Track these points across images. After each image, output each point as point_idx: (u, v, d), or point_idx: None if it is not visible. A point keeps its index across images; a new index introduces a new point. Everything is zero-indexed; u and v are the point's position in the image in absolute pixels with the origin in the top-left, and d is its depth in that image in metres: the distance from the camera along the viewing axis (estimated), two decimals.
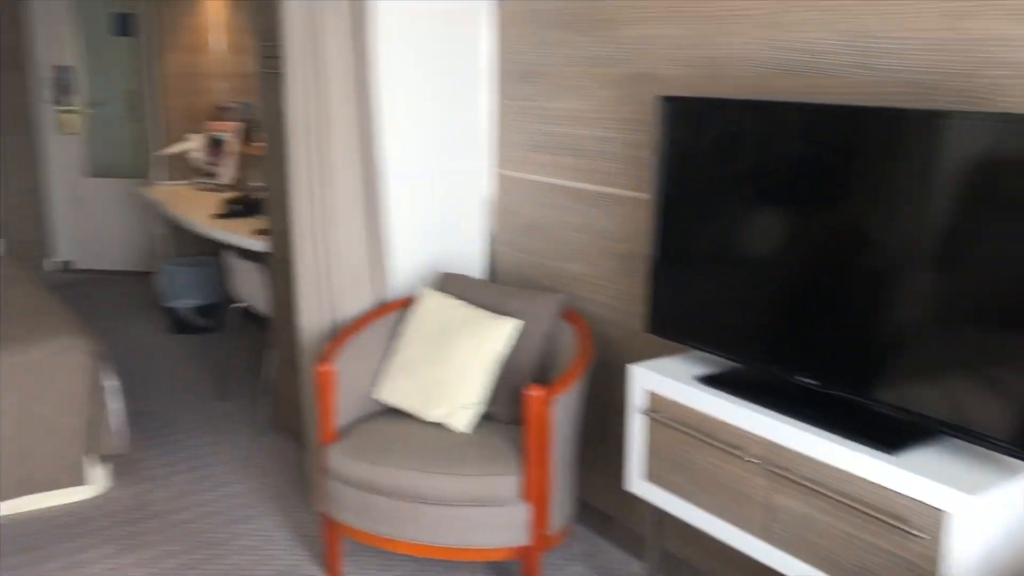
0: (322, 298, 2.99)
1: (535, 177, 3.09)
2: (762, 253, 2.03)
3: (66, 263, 6.38)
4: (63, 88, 6.04)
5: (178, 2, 5.23)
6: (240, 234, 3.76)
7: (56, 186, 6.28)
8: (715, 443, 2.06)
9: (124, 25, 5.79)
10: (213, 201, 4.52)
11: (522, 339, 2.75)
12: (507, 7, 3.11)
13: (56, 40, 5.99)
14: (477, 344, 2.69)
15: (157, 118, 5.41)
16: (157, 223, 5.36)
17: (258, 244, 3.64)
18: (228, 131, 4.81)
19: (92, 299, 5.73)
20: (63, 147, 6.17)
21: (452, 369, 2.69)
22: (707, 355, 2.35)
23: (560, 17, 2.89)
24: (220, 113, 5.23)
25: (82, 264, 6.34)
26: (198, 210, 4.34)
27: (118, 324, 5.23)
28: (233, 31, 5.24)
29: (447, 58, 3.12)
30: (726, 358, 2.16)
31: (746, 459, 1.99)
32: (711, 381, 2.13)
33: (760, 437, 1.95)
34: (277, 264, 3.46)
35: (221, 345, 4.68)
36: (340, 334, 2.86)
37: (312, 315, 3.00)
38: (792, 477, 1.88)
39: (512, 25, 3.11)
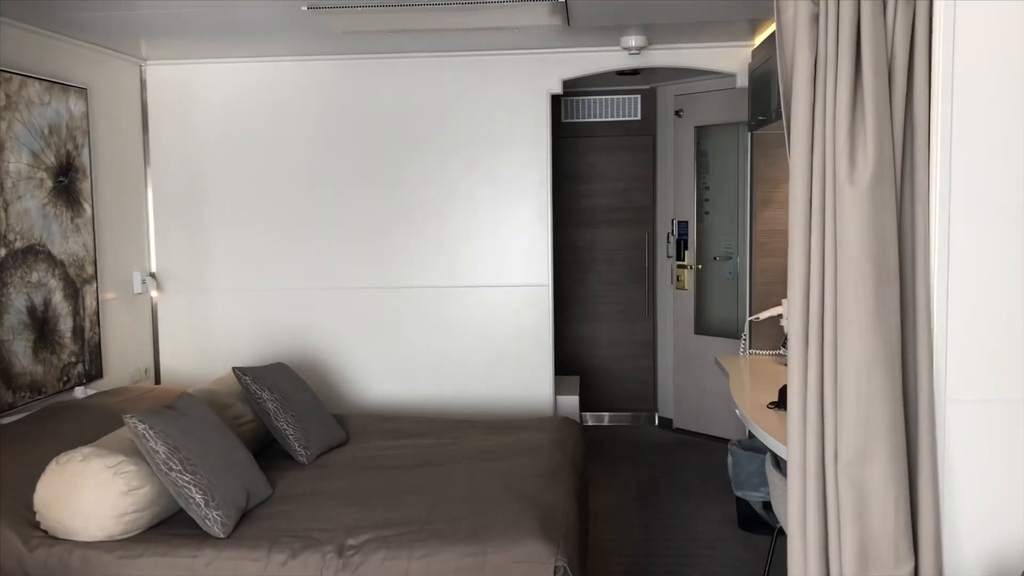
0: (815, 555, 2.00)
1: None
2: None
3: (666, 421, 6.18)
4: (681, 243, 5.97)
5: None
6: (774, 434, 2.91)
7: (665, 341, 6.19)
8: None
9: None
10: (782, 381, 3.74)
11: None
12: None
13: (680, 195, 5.97)
14: None
15: (752, 278, 4.88)
16: None
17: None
18: None
19: (674, 467, 5.33)
20: (675, 302, 6.06)
21: None
22: None
23: None
24: None
25: (679, 424, 6.05)
26: (758, 389, 3.61)
27: (685, 501, 4.71)
28: None
29: None
30: None
31: None
32: None
33: None
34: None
35: (776, 557, 3.80)
36: None
37: (801, 571, 2.03)
38: None
39: None
